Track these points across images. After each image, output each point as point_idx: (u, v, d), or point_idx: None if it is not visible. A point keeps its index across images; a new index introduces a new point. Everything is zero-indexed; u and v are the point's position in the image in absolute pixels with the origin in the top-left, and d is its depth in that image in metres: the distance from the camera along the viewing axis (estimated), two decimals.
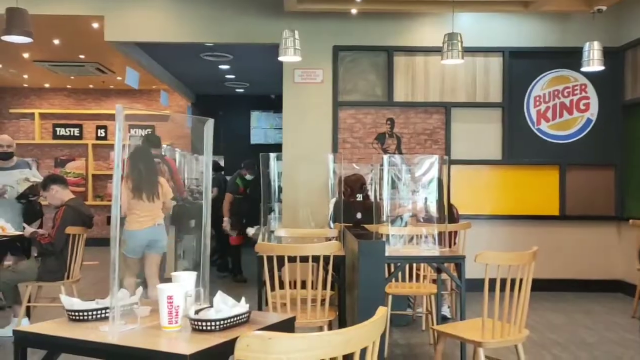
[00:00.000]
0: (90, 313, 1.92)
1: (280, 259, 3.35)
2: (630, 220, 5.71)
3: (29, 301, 4.70)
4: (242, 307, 1.91)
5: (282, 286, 3.54)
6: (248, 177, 7.71)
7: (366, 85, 6.69)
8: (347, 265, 3.77)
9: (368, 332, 1.52)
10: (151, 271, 4.63)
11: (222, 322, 1.78)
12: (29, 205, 5.42)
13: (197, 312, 1.83)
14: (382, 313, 1.60)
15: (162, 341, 1.73)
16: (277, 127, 11.07)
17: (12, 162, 5.50)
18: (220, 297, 1.90)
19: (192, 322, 1.80)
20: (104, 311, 1.92)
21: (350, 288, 3.73)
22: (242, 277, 7.54)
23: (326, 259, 3.35)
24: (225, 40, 6.70)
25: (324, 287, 3.40)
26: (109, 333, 1.72)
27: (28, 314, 4.79)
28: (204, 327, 1.77)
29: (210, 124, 2.14)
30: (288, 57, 5.47)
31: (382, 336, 3.47)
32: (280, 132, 7.16)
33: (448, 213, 5.14)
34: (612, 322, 5.22)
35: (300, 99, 6.64)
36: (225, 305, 1.86)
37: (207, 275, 2.14)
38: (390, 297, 4.29)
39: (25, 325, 4.12)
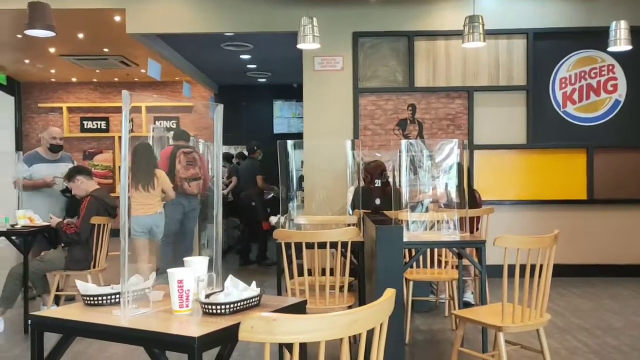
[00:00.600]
0: (104, 298, 1.95)
1: (299, 246, 3.36)
2: None
3: (57, 290, 4.82)
4: (252, 290, 1.92)
5: (301, 273, 3.55)
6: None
7: (386, 71, 6.63)
8: (366, 251, 3.76)
9: (375, 313, 1.51)
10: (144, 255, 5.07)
11: (231, 305, 1.79)
12: (73, 198, 5.58)
13: (207, 296, 1.85)
14: (390, 294, 1.59)
15: (172, 324, 1.75)
16: (300, 116, 11.07)
17: (58, 156, 5.68)
18: (231, 282, 1.92)
19: (203, 305, 1.81)
20: (117, 296, 1.95)
21: (369, 274, 3.72)
22: (269, 260, 7.68)
23: (344, 245, 3.35)
24: (244, 30, 6.70)
25: (343, 273, 3.40)
26: (121, 317, 1.75)
27: (57, 302, 4.91)
28: (214, 311, 1.79)
29: (220, 109, 2.15)
30: (307, 44, 5.45)
31: (400, 321, 3.46)
32: (303, 121, 7.15)
33: (470, 198, 5.08)
34: (639, 306, 5.12)
35: (321, 87, 6.62)
36: (236, 289, 1.87)
37: (220, 261, 2.16)
38: (411, 283, 4.27)
39: None
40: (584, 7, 6.48)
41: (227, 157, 9.40)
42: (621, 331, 4.36)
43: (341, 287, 3.46)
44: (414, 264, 4.29)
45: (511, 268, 2.74)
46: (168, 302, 1.89)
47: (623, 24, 5.49)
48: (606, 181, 6.50)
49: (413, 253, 4.01)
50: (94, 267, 4.79)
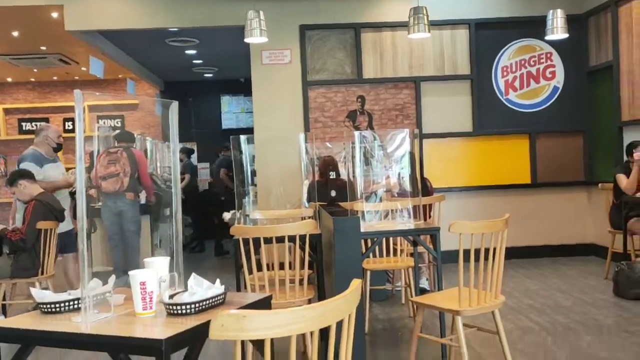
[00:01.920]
0: (62, 305, 1.89)
1: (256, 241, 3.34)
2: (600, 184, 5.84)
3: (4, 299, 4.63)
4: (217, 288, 1.90)
5: (260, 268, 3.53)
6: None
7: (335, 63, 6.66)
8: (324, 243, 3.78)
9: (342, 304, 1.52)
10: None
11: (196, 304, 1.77)
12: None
13: (171, 296, 1.82)
14: (356, 285, 1.61)
15: (136, 327, 1.71)
16: (249, 110, 10.99)
17: (55, 155, 5.48)
18: (195, 280, 1.89)
19: (167, 306, 1.78)
20: (76, 302, 1.89)
21: (328, 266, 3.74)
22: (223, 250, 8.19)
23: (302, 238, 3.35)
24: (189, 25, 6.59)
25: (302, 266, 3.41)
26: (82, 323, 1.70)
27: (4, 311, 4.72)
28: (179, 311, 1.76)
29: (174, 106, 2.11)
30: (254, 38, 5.41)
31: (362, 311, 3.49)
32: (252, 115, 7.11)
33: (422, 187, 5.18)
34: (586, 284, 5.35)
35: (270, 81, 6.58)
36: (200, 288, 1.85)
37: (181, 261, 2.13)
38: (368, 273, 4.32)
39: None
40: None
41: (187, 152, 9.25)
42: (570, 309, 4.55)
43: (300, 281, 3.47)
44: (370, 254, 4.34)
45: (466, 253, 2.81)
46: (130, 306, 1.84)
47: (559, 12, 5.70)
48: (548, 165, 6.76)
49: (369, 243, 4.06)
50: (42, 273, 4.62)
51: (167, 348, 1.54)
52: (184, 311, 1.76)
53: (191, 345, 1.76)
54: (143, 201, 6.07)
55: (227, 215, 6.82)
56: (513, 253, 6.38)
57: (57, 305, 1.88)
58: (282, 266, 3.90)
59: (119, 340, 1.62)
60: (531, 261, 6.50)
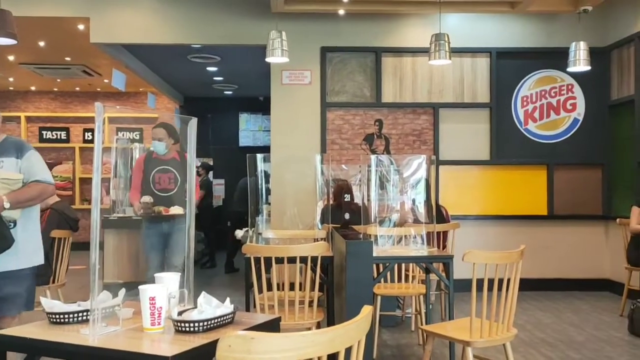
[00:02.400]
0: (71, 316, 1.88)
1: (268, 261, 3.33)
2: (618, 219, 5.74)
3: None
4: (226, 307, 1.89)
5: (270, 288, 3.51)
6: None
7: (354, 86, 6.68)
8: (336, 266, 3.75)
9: (352, 330, 1.50)
10: None
11: (205, 323, 1.75)
12: None
13: (180, 313, 1.80)
14: (367, 312, 1.58)
15: (143, 343, 1.70)
16: (266, 129, 11.05)
17: None
18: (204, 298, 1.87)
19: (175, 323, 1.77)
20: (85, 314, 1.88)
21: (338, 289, 3.71)
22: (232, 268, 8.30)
23: (314, 259, 3.33)
24: (212, 42, 6.67)
25: (312, 288, 3.38)
26: (90, 335, 1.69)
27: None
28: (187, 329, 1.74)
29: (193, 123, 2.12)
30: (275, 58, 5.46)
31: (371, 336, 3.45)
32: (269, 134, 7.13)
33: (437, 214, 5.14)
34: (600, 320, 5.24)
35: (289, 101, 6.62)
36: (209, 306, 1.83)
37: (192, 277, 2.12)
38: (379, 298, 4.27)
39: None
40: (545, 27, 6.68)
41: (207, 168, 9.29)
42: (583, 344, 4.45)
43: (310, 302, 3.44)
44: (382, 279, 4.30)
45: (479, 282, 2.77)
46: (138, 320, 1.83)
47: (582, 45, 5.69)
48: (566, 197, 6.68)
49: (381, 268, 4.03)
50: (54, 282, 4.64)
51: None
52: (191, 329, 1.74)
53: None
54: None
55: (239, 233, 6.82)
56: (527, 285, 6.25)
57: (66, 316, 1.88)
58: (292, 287, 3.88)
59: (125, 355, 1.60)
60: (545, 294, 6.39)
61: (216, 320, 1.80)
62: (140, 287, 1.79)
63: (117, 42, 6.72)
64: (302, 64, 6.56)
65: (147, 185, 4.48)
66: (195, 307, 1.86)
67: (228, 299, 1.96)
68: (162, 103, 10.88)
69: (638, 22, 6.06)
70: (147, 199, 4.40)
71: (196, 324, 1.74)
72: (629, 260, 5.36)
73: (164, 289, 1.82)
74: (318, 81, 6.61)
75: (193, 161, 2.14)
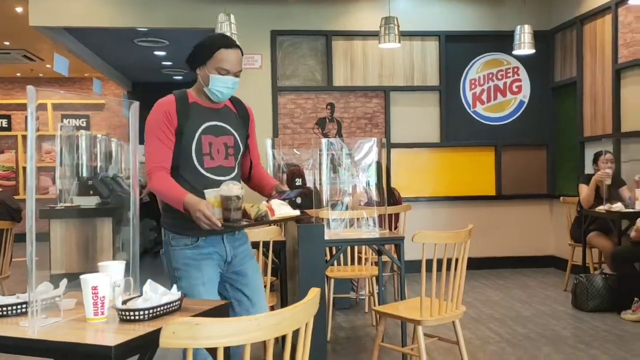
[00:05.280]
0: (9, 308, 1.81)
1: None
2: (561, 198, 5.95)
3: None
4: (173, 294, 1.85)
5: None
6: None
7: (305, 70, 6.65)
8: (288, 250, 3.74)
9: (299, 313, 1.50)
10: None
11: (150, 311, 1.72)
12: None
13: (124, 302, 1.76)
14: (314, 294, 1.58)
15: (86, 333, 1.65)
16: None
17: None
18: (150, 286, 1.84)
19: (119, 312, 1.73)
20: (23, 306, 1.82)
21: (291, 273, 3.71)
22: None
23: (266, 245, 3.32)
24: (159, 25, 6.50)
25: (265, 273, 3.37)
26: (29, 328, 1.63)
27: None
28: (132, 317, 1.70)
29: (135, 107, 2.06)
30: None
31: (323, 319, 3.47)
32: None
33: (390, 196, 5.20)
34: (546, 295, 5.43)
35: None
36: (155, 294, 1.80)
37: (137, 265, 2.07)
38: (332, 281, 4.30)
39: None
40: (492, 11, 6.80)
41: None
42: (529, 319, 4.61)
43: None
44: (335, 262, 4.33)
45: (428, 263, 2.82)
46: (81, 311, 1.78)
47: (527, 28, 5.82)
48: (512, 177, 6.86)
49: (334, 251, 4.05)
50: None
51: (117, 355, 1.49)
52: (136, 317, 1.70)
53: (143, 352, 1.71)
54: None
55: None
56: (477, 264, 6.45)
57: (3, 308, 1.81)
58: None
59: (66, 347, 1.55)
60: (494, 272, 6.58)
61: (162, 308, 1.77)
62: (81, 276, 1.74)
63: (58, 26, 6.46)
64: (252, 48, 6.47)
65: (185, 160, 2.32)
66: (141, 295, 1.82)
67: (175, 286, 1.92)
68: (110, 89, 10.58)
69: (580, 6, 6.24)
70: (220, 191, 2.18)
71: (141, 312, 1.70)
72: (572, 237, 5.56)
73: (107, 277, 1.77)
74: (269, 65, 6.55)
75: (136, 146, 2.09)
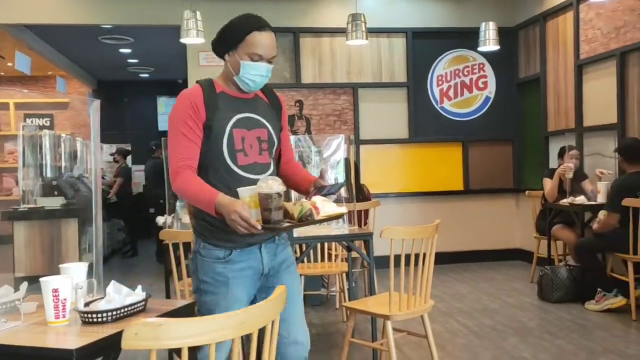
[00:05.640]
0: None
1: (188, 246, 3.26)
2: (527, 192, 6.06)
3: None
4: (137, 295, 1.83)
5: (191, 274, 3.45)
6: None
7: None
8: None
9: (265, 311, 1.49)
10: None
11: (113, 312, 1.69)
12: None
13: (87, 304, 1.73)
14: (280, 291, 1.58)
15: (47, 337, 1.62)
16: None
17: None
18: (113, 287, 1.81)
19: (81, 314, 1.70)
20: None
21: None
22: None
23: None
24: (123, 22, 6.39)
25: None
26: None
27: None
28: (94, 319, 1.68)
29: (96, 105, 2.02)
30: (191, 39, 5.31)
31: None
32: None
33: (359, 193, 5.22)
34: (512, 288, 5.53)
35: None
36: (118, 295, 1.77)
37: (101, 266, 2.04)
38: (303, 278, 4.30)
39: None
40: (457, 8, 6.87)
41: (124, 153, 8.92)
42: (496, 311, 4.69)
43: None
44: (305, 259, 4.33)
45: (397, 258, 2.84)
46: (42, 314, 1.75)
47: (492, 25, 5.90)
48: (480, 172, 6.96)
49: (304, 248, 4.05)
50: None
51: (79, 358, 1.46)
52: (99, 319, 1.68)
53: (106, 355, 1.68)
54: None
55: (160, 219, 6.64)
56: (446, 258, 6.53)
57: None
58: None
59: (26, 351, 1.52)
60: (463, 266, 6.67)
61: (126, 309, 1.74)
62: (41, 279, 1.70)
63: (19, 23, 6.31)
64: None
65: (215, 158, 2.06)
66: (104, 297, 1.79)
67: (139, 287, 1.90)
68: (74, 87, 10.36)
69: (543, 3, 6.35)
70: (258, 189, 1.89)
71: (104, 314, 1.68)
72: (538, 229, 5.67)
73: (68, 280, 1.74)
74: None
75: (97, 146, 2.05)
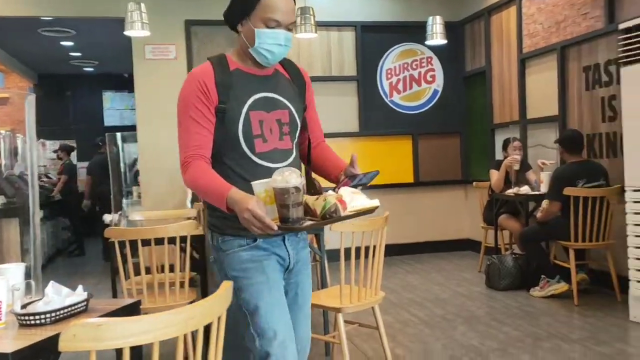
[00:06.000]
0: None
1: (134, 244, 3.18)
2: (474, 183, 6.20)
3: None
4: (77, 296, 1.77)
5: (138, 272, 3.37)
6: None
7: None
8: (208, 244, 3.68)
9: (210, 307, 1.46)
10: None
11: (52, 314, 1.63)
12: None
13: (24, 306, 1.66)
14: (226, 287, 1.56)
15: None
16: (133, 107, 10.54)
17: None
18: (53, 288, 1.74)
19: (18, 317, 1.63)
20: None
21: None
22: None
23: (184, 239, 3.25)
24: (64, 14, 6.17)
25: (182, 268, 3.29)
26: None
27: None
28: (32, 322, 1.61)
29: (31, 100, 1.94)
30: (135, 31, 5.17)
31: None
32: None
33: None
34: (462, 277, 5.65)
35: (154, 76, 6.33)
36: (58, 296, 1.71)
37: (39, 266, 1.96)
38: None
39: None
40: (405, 3, 6.94)
41: (68, 149, 8.62)
42: (446, 301, 4.78)
43: (182, 283, 3.35)
44: None
45: (348, 251, 2.85)
46: None
47: (438, 19, 5.98)
48: (429, 165, 7.08)
49: None
50: None
51: None
52: (37, 321, 1.61)
53: (45, 358, 1.62)
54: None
55: (107, 218, 6.48)
56: (397, 250, 6.62)
57: None
58: (171, 268, 3.76)
59: None
60: (414, 257, 6.77)
61: (65, 311, 1.68)
62: None
63: None
64: (165, 38, 6.29)
65: (230, 146, 1.86)
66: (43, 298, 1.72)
67: (80, 287, 1.84)
68: (13, 82, 9.94)
69: None
70: (273, 182, 1.67)
71: (42, 316, 1.61)
72: (485, 220, 5.81)
73: (4, 281, 1.66)
74: (184, 56, 6.38)
75: (33, 141, 1.96)
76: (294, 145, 1.95)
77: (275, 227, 1.60)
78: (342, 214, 1.69)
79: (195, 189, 1.84)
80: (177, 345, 1.45)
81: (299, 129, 1.96)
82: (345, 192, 1.74)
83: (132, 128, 8.68)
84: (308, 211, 1.68)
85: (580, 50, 5.09)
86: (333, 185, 1.94)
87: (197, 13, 6.38)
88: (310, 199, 1.71)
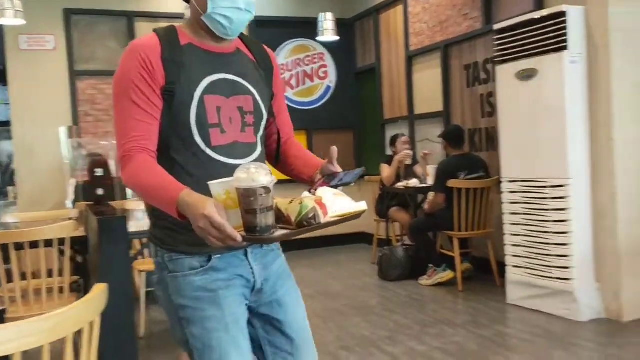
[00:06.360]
0: None
1: (5, 248, 2.94)
2: (366, 177, 6.35)
3: None
4: None
5: (11, 279, 3.12)
6: None
7: (106, 53, 6.20)
8: (92, 246, 3.47)
9: (79, 313, 1.36)
10: None
11: None
12: None
13: None
14: (99, 290, 1.46)
15: None
16: (7, 102, 9.76)
17: None
18: None
19: None
20: None
21: (95, 271, 3.45)
22: None
23: (62, 242, 3.04)
24: None
25: (61, 273, 3.08)
26: None
27: None
28: None
29: None
30: (7, 19, 4.79)
31: (131, 315, 3.28)
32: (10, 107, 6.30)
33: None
34: (355, 269, 5.78)
35: (30, 69, 5.89)
36: None
37: None
38: (144, 275, 4.10)
39: None
40: None
41: None
42: (340, 293, 4.86)
43: (62, 289, 3.14)
44: (145, 252, 4.13)
45: None
46: None
47: (329, 15, 6.07)
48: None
49: (145, 242, 3.85)
50: None
51: None
52: None
53: None
54: None
55: None
56: (294, 245, 6.63)
57: None
58: (50, 274, 3.52)
59: None
60: (310, 252, 6.82)
61: None
62: None
63: None
64: (43, 28, 5.87)
65: (179, 136, 1.50)
66: None
67: None
68: None
69: None
70: (236, 181, 1.29)
71: None
72: (377, 213, 5.98)
73: None
74: (64, 47, 6.00)
75: None
76: (259, 139, 1.63)
77: (240, 238, 1.27)
78: (323, 220, 1.36)
79: (136, 190, 1.48)
80: (42, 357, 1.34)
81: (264, 119, 1.63)
82: (325, 193, 1.44)
83: (6, 124, 8.06)
84: (280, 217, 1.36)
85: (462, 49, 5.36)
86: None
87: (77, 1, 6.01)
88: (283, 203, 1.38)
